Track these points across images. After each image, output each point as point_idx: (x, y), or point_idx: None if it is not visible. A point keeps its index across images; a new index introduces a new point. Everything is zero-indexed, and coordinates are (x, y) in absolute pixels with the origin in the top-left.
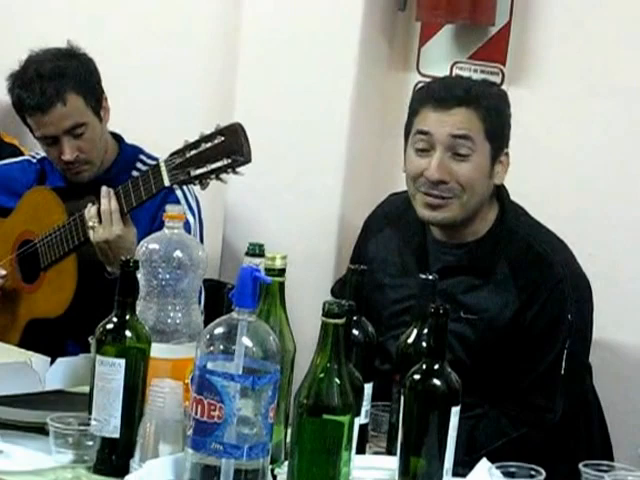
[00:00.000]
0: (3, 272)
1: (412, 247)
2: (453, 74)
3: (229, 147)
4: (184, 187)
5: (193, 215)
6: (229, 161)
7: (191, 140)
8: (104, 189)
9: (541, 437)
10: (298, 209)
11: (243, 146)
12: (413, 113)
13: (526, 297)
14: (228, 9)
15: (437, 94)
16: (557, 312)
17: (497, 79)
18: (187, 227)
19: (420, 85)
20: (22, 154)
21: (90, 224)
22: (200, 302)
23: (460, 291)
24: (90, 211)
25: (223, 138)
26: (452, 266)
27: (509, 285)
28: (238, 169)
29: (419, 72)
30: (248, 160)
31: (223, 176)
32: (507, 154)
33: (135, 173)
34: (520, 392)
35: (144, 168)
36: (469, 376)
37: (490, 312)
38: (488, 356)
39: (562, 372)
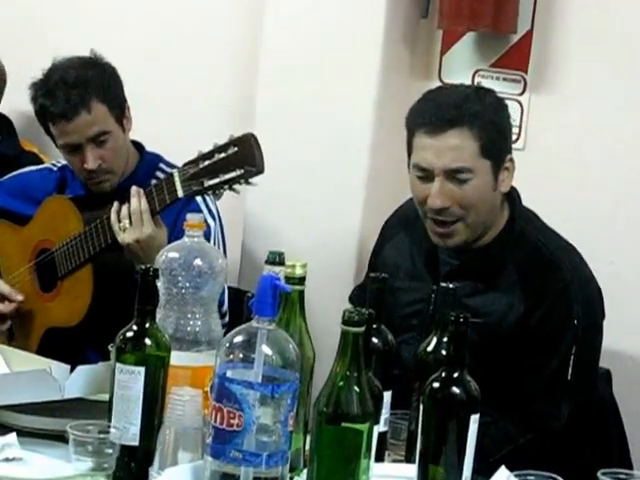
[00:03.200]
0: (20, 297)
1: (423, 251)
2: (475, 82)
3: (242, 158)
4: None
5: (213, 219)
6: (242, 172)
7: (205, 150)
8: (134, 189)
9: (547, 443)
10: (318, 218)
11: (256, 157)
12: (410, 133)
13: (532, 301)
14: (249, 16)
15: (428, 117)
16: (563, 317)
17: (519, 87)
18: (208, 230)
19: (414, 103)
20: (42, 162)
21: (121, 225)
22: (224, 304)
23: (465, 295)
24: (121, 212)
25: (236, 149)
26: (459, 270)
27: (516, 289)
28: (251, 180)
29: (441, 80)
30: (261, 171)
31: (236, 186)
32: (511, 160)
33: (155, 182)
34: (525, 397)
35: (163, 176)
36: (475, 381)
37: (495, 316)
38: (493, 360)
39: (568, 378)
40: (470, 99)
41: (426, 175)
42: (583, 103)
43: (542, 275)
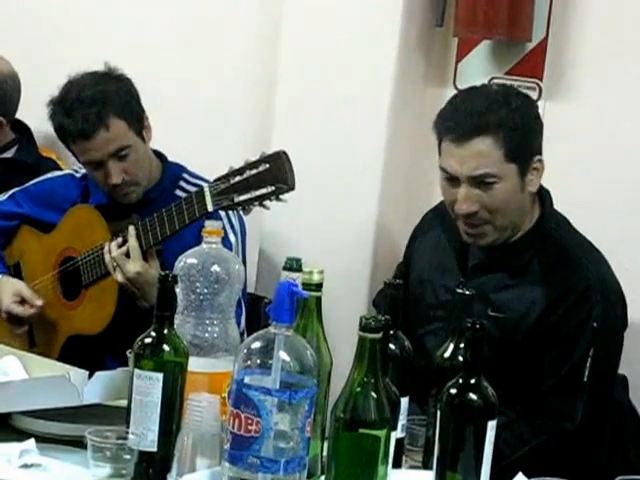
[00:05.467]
0: (40, 302)
1: (454, 244)
2: None
3: (274, 175)
4: None
5: (235, 234)
6: (273, 189)
7: (236, 166)
8: (131, 229)
9: (560, 445)
10: (335, 224)
11: (288, 174)
12: (438, 138)
13: (553, 299)
14: (266, 25)
15: (453, 125)
16: (582, 318)
17: (534, 94)
18: (229, 246)
19: (444, 107)
20: (60, 169)
21: (110, 267)
22: (240, 320)
23: (491, 289)
24: (111, 252)
25: (268, 166)
26: (485, 263)
27: (538, 287)
28: (282, 196)
29: (456, 88)
30: (292, 188)
31: (266, 203)
32: (540, 160)
33: (178, 192)
34: (540, 395)
35: (187, 187)
36: (492, 377)
37: (517, 312)
38: (511, 356)
39: (584, 379)
40: (496, 104)
41: (453, 180)
42: (598, 110)
43: (565, 275)
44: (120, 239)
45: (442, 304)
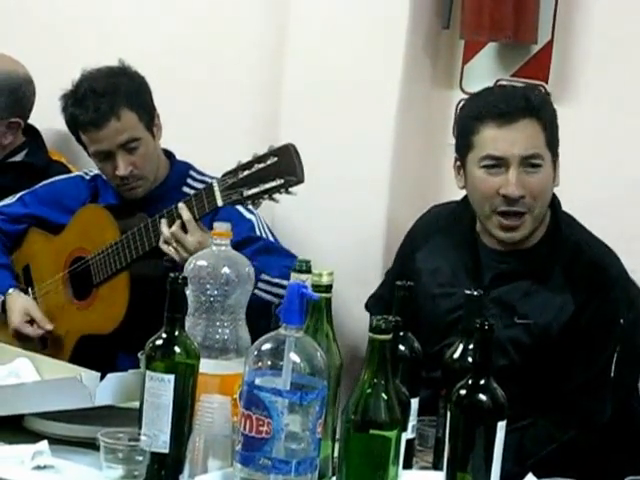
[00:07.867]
0: (50, 327)
1: (463, 258)
2: None
3: (282, 168)
4: None
5: (252, 213)
6: (282, 181)
7: (244, 160)
8: (180, 205)
9: (590, 439)
10: (344, 225)
11: (296, 167)
12: (470, 131)
13: (581, 301)
14: (273, 25)
15: (497, 107)
16: (611, 316)
17: None
18: (249, 225)
19: (466, 101)
20: (70, 172)
21: (174, 246)
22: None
23: (516, 297)
24: (164, 235)
25: (276, 159)
26: (507, 273)
27: (565, 289)
28: (291, 189)
29: (462, 90)
30: (301, 180)
31: (276, 196)
32: (557, 159)
33: (186, 189)
34: (569, 394)
35: (194, 184)
36: (521, 382)
37: (546, 316)
38: (541, 360)
39: (612, 375)
40: (531, 93)
41: (499, 165)
42: (604, 112)
43: (589, 276)
44: (165, 220)
45: (459, 318)
